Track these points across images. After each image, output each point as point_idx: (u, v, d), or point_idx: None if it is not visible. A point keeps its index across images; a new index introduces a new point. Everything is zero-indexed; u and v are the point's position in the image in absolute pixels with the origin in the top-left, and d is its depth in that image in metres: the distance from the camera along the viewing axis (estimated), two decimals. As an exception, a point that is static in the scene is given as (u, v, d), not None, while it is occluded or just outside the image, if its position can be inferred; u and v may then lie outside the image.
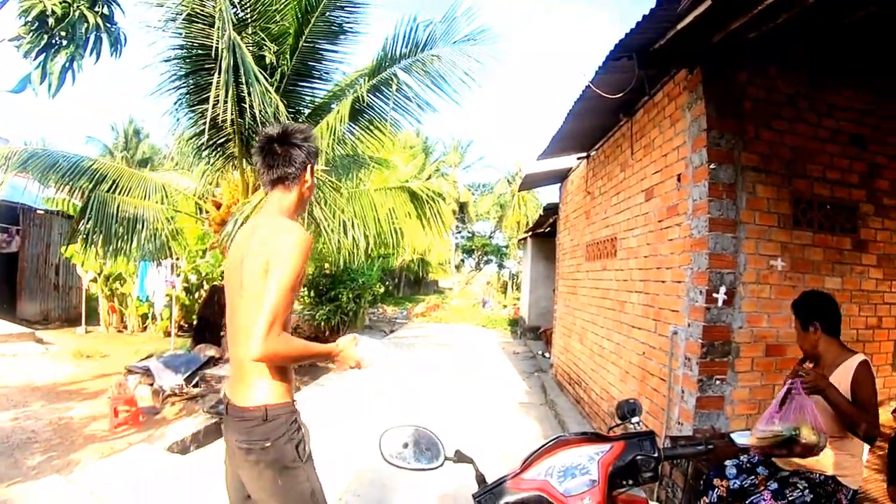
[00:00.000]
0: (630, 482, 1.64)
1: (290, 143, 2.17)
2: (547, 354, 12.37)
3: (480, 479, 1.68)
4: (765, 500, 2.59)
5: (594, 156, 7.04)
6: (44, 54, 3.40)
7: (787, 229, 3.94)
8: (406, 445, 1.81)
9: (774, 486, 2.67)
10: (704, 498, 2.93)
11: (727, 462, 2.98)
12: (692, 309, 3.93)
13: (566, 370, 8.21)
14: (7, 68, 4.58)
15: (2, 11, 3.47)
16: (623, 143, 5.74)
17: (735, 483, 2.88)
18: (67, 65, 3.51)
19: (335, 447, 5.84)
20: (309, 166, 2.23)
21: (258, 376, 1.99)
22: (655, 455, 1.63)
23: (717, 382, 3.78)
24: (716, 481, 2.92)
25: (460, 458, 1.76)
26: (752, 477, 2.88)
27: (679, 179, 4.25)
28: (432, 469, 1.79)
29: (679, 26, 3.26)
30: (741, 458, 3.00)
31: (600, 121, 5.88)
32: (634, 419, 1.87)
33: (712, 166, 3.76)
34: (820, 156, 4.09)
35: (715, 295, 3.74)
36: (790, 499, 2.58)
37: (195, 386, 8.09)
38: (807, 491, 2.60)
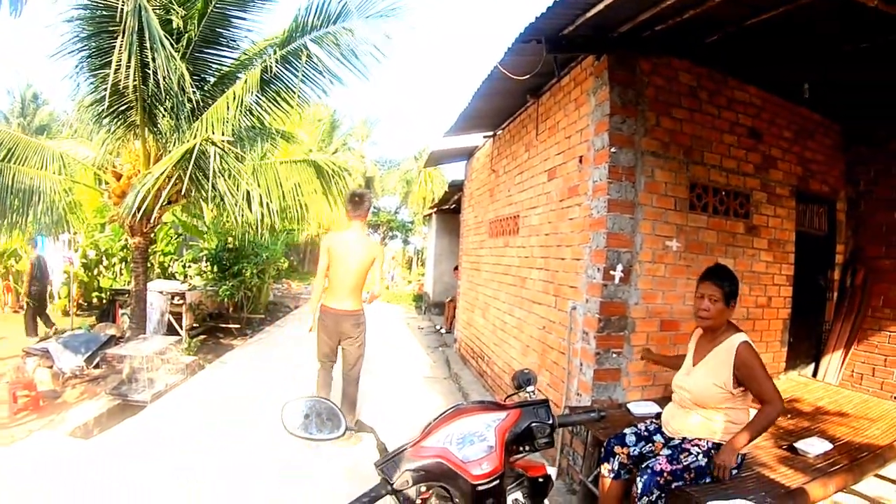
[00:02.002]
0: (527, 448, 1.71)
1: (365, 198, 5.34)
2: (443, 329, 12.56)
3: (382, 448, 1.70)
4: (660, 463, 2.77)
5: (500, 135, 7.15)
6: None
7: (683, 212, 4.18)
8: (307, 416, 1.83)
9: (668, 451, 2.86)
10: (606, 464, 3.10)
11: (626, 430, 3.16)
12: (590, 286, 4.11)
13: (469, 344, 8.38)
14: None
15: None
16: (528, 123, 5.86)
17: (635, 450, 3.06)
18: None
19: (239, 424, 5.74)
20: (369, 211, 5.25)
21: (359, 299, 5.24)
22: (550, 422, 1.71)
23: (614, 356, 3.99)
24: (617, 448, 3.09)
25: (361, 427, 1.78)
26: (651, 444, 3.08)
27: (581, 161, 4.40)
28: (334, 439, 1.81)
29: (589, 14, 3.35)
30: (639, 426, 3.19)
31: (507, 102, 5.97)
32: (529, 388, 1.93)
33: (613, 150, 3.92)
34: (718, 145, 4.36)
35: (612, 272, 3.93)
36: (685, 463, 2.77)
37: (96, 367, 7.78)
38: (700, 456, 2.81)
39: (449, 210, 14.54)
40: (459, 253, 10.24)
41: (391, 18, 7.08)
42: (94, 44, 6.94)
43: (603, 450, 3.19)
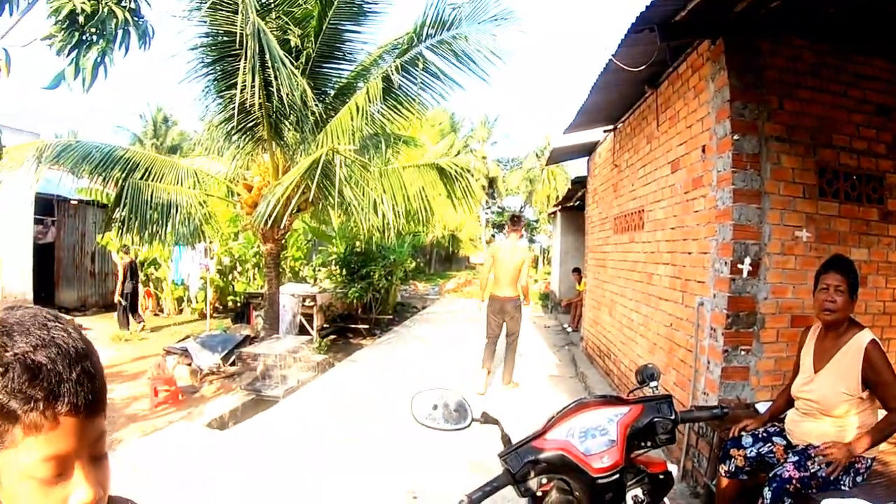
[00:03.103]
0: (648, 444, 1.69)
1: (521, 218, 7.76)
2: (569, 328, 12.39)
3: (506, 439, 1.73)
4: (787, 470, 2.62)
5: (620, 129, 7.00)
6: (76, 51, 3.50)
7: (812, 200, 3.89)
8: (435, 407, 1.87)
9: (795, 458, 2.70)
10: (723, 465, 2.98)
11: (743, 432, 3.02)
12: (717, 280, 3.94)
13: (596, 343, 8.25)
14: (41, 66, 4.73)
15: (32, 12, 3.60)
16: (648, 115, 5.70)
17: (752, 451, 2.91)
18: (99, 60, 3.61)
19: (367, 418, 6.05)
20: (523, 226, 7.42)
21: (517, 289, 7.15)
22: (672, 417, 1.68)
23: (743, 353, 3.80)
24: (733, 451, 2.96)
25: (487, 419, 1.82)
26: (769, 445, 2.92)
27: (704, 151, 4.23)
28: (460, 429, 1.85)
29: (700, -4, 3.23)
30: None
31: (625, 93, 5.84)
32: (653, 383, 1.92)
33: (736, 137, 3.74)
34: (845, 125, 4.01)
35: (740, 266, 3.74)
36: (812, 471, 2.60)
37: (232, 364, 8.34)
38: (826, 465, 2.63)
39: (573, 207, 14.34)
40: (585, 250, 10.10)
41: (503, 24, 7.14)
42: (219, 68, 7.53)
43: (720, 451, 3.06)
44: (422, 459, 4.88)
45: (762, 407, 3.55)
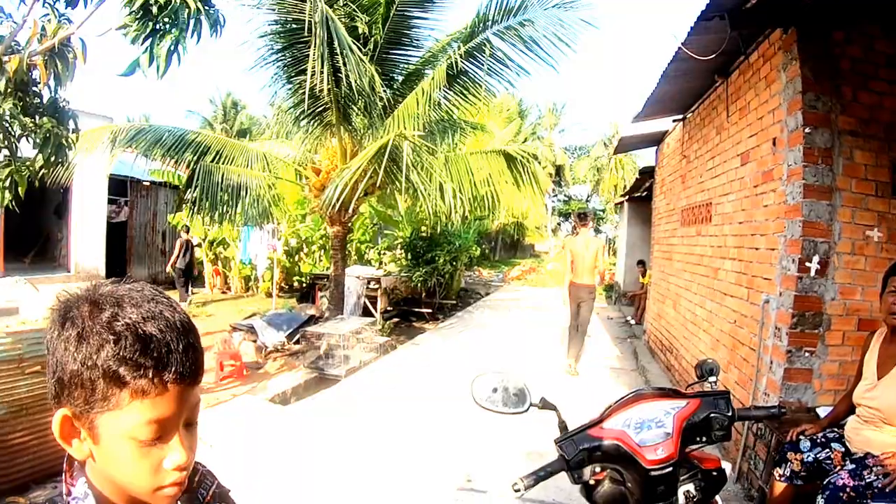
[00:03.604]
0: (703, 439, 1.67)
1: (588, 215, 8.07)
2: (632, 321, 12.17)
3: (563, 425, 1.74)
4: (842, 478, 2.53)
5: (690, 118, 6.81)
6: (150, 40, 3.67)
7: (885, 198, 3.68)
8: (495, 390, 1.88)
9: (851, 466, 2.60)
10: (778, 469, 2.90)
11: (801, 436, 2.93)
12: (784, 278, 3.82)
13: (658, 337, 8.11)
14: (116, 54, 4.98)
15: (107, 3, 3.80)
16: (719, 105, 5.53)
17: (809, 456, 2.82)
18: (172, 48, 3.78)
19: (427, 400, 6.19)
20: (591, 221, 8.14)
21: (593, 277, 7.71)
22: (729, 414, 1.65)
23: (806, 355, 3.67)
24: (790, 455, 2.88)
25: (545, 405, 1.83)
26: (827, 451, 2.82)
27: (774, 143, 4.08)
28: (518, 413, 1.86)
29: (772, -16, 3.12)
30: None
31: (695, 83, 5.69)
32: (712, 378, 1.86)
33: (807, 130, 3.59)
34: (923, 121, 3.79)
35: (808, 264, 3.61)
36: (868, 480, 2.50)
37: (296, 343, 8.60)
38: (884, 476, 2.53)
39: (640, 198, 14.03)
40: (651, 242, 9.90)
41: (571, 10, 7.05)
42: (287, 54, 7.72)
43: (777, 454, 2.97)
44: (477, 444, 4.97)
45: (823, 412, 3.42)
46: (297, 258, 14.21)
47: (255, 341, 8.35)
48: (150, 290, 0.85)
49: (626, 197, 15.65)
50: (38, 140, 3.87)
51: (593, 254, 7.65)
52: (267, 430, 5.19)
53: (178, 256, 12.60)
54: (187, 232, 13.07)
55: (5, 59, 3.69)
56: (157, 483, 0.81)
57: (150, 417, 0.77)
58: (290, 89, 8.29)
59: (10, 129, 3.74)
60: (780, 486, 2.89)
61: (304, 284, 13.67)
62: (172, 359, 0.78)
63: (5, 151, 3.90)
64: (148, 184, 15.81)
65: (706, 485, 1.71)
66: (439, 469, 4.46)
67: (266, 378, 7.19)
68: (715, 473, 1.74)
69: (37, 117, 3.92)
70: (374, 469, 4.44)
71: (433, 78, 7.40)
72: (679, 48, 4.43)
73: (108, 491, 0.85)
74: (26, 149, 4.00)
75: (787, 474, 2.86)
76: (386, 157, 6.54)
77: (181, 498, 0.93)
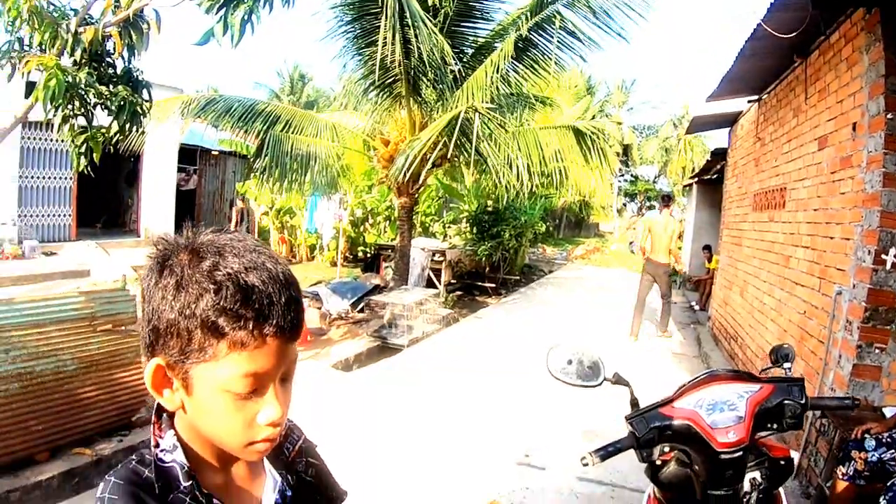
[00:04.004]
0: (774, 426, 1.64)
1: (672, 197, 9.11)
2: (696, 306, 11.89)
3: (634, 402, 1.74)
4: None
5: (766, 99, 6.55)
6: (224, 9, 3.79)
7: (969, 190, 3.49)
8: (570, 362, 1.88)
9: None
10: (841, 468, 2.82)
11: (867, 434, 2.83)
12: (858, 269, 3.66)
13: (723, 324, 7.90)
14: (188, 24, 5.13)
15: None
16: (797, 86, 5.30)
17: (874, 455, 2.73)
18: (246, 17, 3.90)
19: (488, 373, 6.28)
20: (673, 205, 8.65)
21: (668, 255, 8.42)
22: (802, 402, 1.61)
23: (877, 351, 3.52)
24: (854, 453, 2.79)
25: (618, 380, 1.82)
26: (892, 451, 2.71)
27: (854, 129, 3.90)
28: (591, 387, 1.86)
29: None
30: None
31: (773, 62, 5.46)
32: (786, 364, 1.84)
33: (889, 116, 3.40)
34: None
35: (884, 256, 3.45)
36: None
37: (360, 311, 8.76)
38: None
39: (710, 181, 13.59)
40: (720, 226, 9.62)
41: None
42: (358, 26, 7.76)
43: (841, 452, 2.88)
44: (537, 420, 5.04)
45: (889, 412, 3.28)
46: (362, 228, 14.40)
47: (319, 308, 8.54)
48: (252, 241, 0.83)
49: (696, 179, 15.21)
50: (112, 108, 4.04)
51: (670, 233, 8.37)
52: (330, 396, 5.37)
53: (235, 224, 13.00)
54: (243, 200, 13.49)
55: (80, 30, 3.87)
56: (249, 438, 0.80)
57: (247, 370, 0.76)
58: (359, 61, 8.38)
59: (85, 97, 3.92)
60: (842, 485, 2.82)
61: (369, 255, 13.87)
62: (273, 311, 0.76)
63: (81, 119, 4.10)
64: (217, 153, 16.37)
65: (772, 474, 1.69)
66: (499, 443, 4.54)
67: (329, 345, 7.38)
68: (783, 463, 1.71)
69: (111, 86, 4.10)
70: (434, 439, 4.55)
71: (502, 50, 7.33)
72: (758, 25, 4.28)
73: (197, 444, 0.85)
74: (101, 118, 4.20)
75: (851, 473, 2.78)
76: (457, 129, 6.56)
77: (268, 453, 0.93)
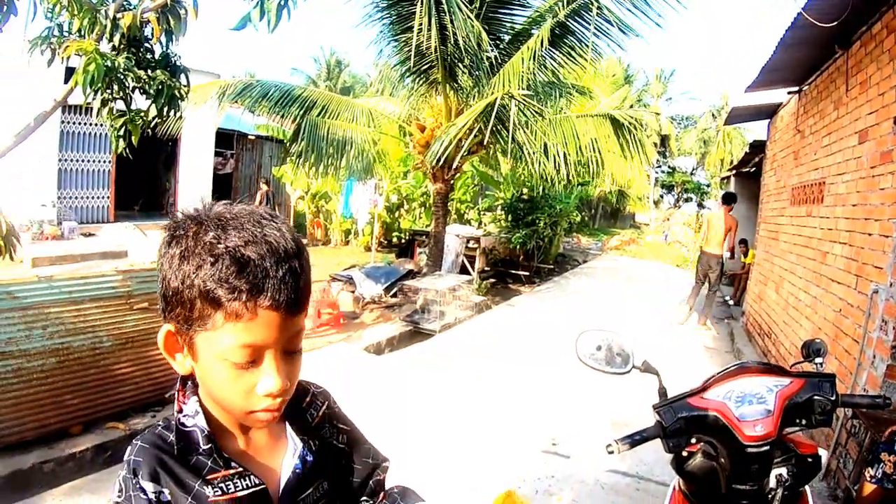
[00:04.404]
0: (802, 422, 1.60)
1: (734, 197, 9.14)
2: (730, 301, 11.70)
3: (662, 391, 1.73)
4: None
5: (806, 91, 6.38)
6: (261, -6, 3.85)
7: None
8: (599, 348, 1.88)
9: None
10: (869, 469, 2.75)
11: None
12: (896, 268, 3.57)
13: (757, 320, 7.77)
14: (224, 9, 5.19)
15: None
16: (837, 78, 5.15)
17: None
18: (282, 3, 3.94)
19: (519, 361, 6.34)
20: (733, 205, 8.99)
21: (721, 248, 8.85)
22: (833, 398, 1.57)
23: (912, 352, 3.43)
24: (883, 455, 2.71)
25: (647, 368, 1.82)
26: None
27: (895, 122, 3.78)
28: (620, 374, 1.86)
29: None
30: None
31: (814, 53, 5.32)
32: (818, 360, 1.79)
33: (933, 110, 3.30)
34: None
35: (923, 255, 3.36)
36: None
37: (393, 296, 8.83)
38: None
39: (748, 174, 13.29)
40: (757, 220, 9.43)
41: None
42: (393, 12, 7.78)
43: (869, 453, 2.81)
44: (565, 409, 5.08)
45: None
46: (397, 214, 14.50)
47: (352, 292, 8.63)
48: (260, 214, 0.85)
49: (733, 172, 14.88)
50: (151, 92, 4.13)
51: (725, 228, 8.83)
52: (362, 378, 5.46)
53: (259, 206, 13.25)
54: (267, 184, 13.71)
55: (119, 16, 3.95)
56: (248, 406, 0.83)
57: (243, 341, 0.78)
58: (395, 47, 8.43)
59: (124, 81, 4.00)
60: (869, 488, 2.75)
61: (403, 240, 13.98)
62: (268, 284, 0.78)
63: (120, 103, 4.19)
64: (253, 137, 16.59)
65: (799, 471, 1.64)
66: (526, 430, 4.59)
67: (362, 328, 7.47)
68: (810, 460, 1.67)
69: (149, 71, 4.18)
70: (462, 423, 4.62)
71: (539, 36, 7.27)
72: (799, 13, 4.17)
73: (215, 410, 0.90)
74: (140, 102, 4.28)
75: (879, 476, 2.71)
76: (493, 115, 6.56)
77: (290, 419, 0.98)
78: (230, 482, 0.87)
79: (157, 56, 4.35)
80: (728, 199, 9.20)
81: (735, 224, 8.95)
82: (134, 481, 0.83)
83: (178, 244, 0.81)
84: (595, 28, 7.58)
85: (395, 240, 14.39)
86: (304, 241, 13.96)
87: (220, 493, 0.86)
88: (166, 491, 0.83)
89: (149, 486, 0.83)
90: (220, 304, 0.77)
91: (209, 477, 0.86)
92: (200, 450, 0.88)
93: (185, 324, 0.82)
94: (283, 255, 0.81)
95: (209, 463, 0.87)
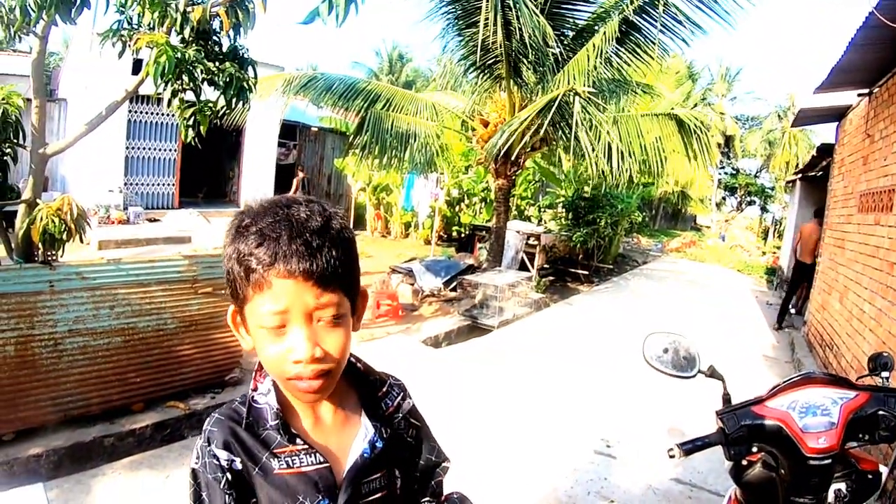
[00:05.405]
0: (865, 437, 1.57)
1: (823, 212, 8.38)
2: (792, 309, 11.31)
3: (726, 398, 1.73)
4: None
5: (877, 93, 6.11)
6: (330, -11, 3.92)
7: None
8: (666, 351, 1.89)
9: None
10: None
11: None
12: (968, 282, 3.41)
13: (819, 330, 7.49)
14: (291, 3, 5.30)
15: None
16: (911, 80, 4.93)
17: None
18: None
19: (576, 360, 6.36)
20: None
21: (811, 257, 8.95)
22: None
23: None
24: None
25: (713, 373, 1.81)
26: None
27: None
28: (686, 378, 1.86)
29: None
30: None
31: (886, 53, 5.09)
32: (885, 374, 1.76)
33: None
34: None
35: None
36: None
37: (452, 290, 8.89)
38: None
39: (814, 178, 12.80)
40: (823, 227, 9.10)
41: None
42: (458, 7, 7.84)
43: None
44: (621, 410, 5.06)
45: None
46: (457, 209, 14.54)
47: (412, 284, 8.74)
48: (294, 199, 0.93)
49: (799, 175, 14.35)
50: (220, 83, 4.27)
51: (815, 238, 9.16)
52: (419, 370, 5.56)
53: (295, 191, 13.51)
54: (302, 170, 13.98)
55: (189, 9, 4.11)
56: (284, 373, 0.89)
57: (268, 309, 0.85)
58: (460, 41, 8.50)
59: (193, 73, 4.15)
60: None
61: (463, 235, 14.08)
62: (281, 253, 0.84)
63: (189, 94, 4.35)
64: (316, 129, 16.97)
65: (858, 487, 1.61)
66: (580, 429, 4.60)
67: (420, 321, 7.56)
68: (870, 476, 1.63)
69: (218, 63, 4.33)
70: (516, 419, 4.66)
71: (604, 33, 7.20)
72: (871, 13, 4.03)
73: (284, 388, 0.97)
74: (207, 93, 4.43)
75: None
76: (553, 110, 6.54)
77: (364, 405, 1.06)
78: (296, 457, 0.95)
79: (225, 49, 4.50)
80: (820, 214, 9.46)
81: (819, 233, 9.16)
82: (208, 449, 0.93)
83: (229, 232, 0.91)
84: (661, 25, 7.46)
85: (454, 234, 14.48)
86: (364, 232, 14.20)
87: (285, 466, 0.94)
88: (237, 460, 0.93)
89: (222, 455, 0.93)
90: (248, 278, 0.86)
91: (276, 451, 0.95)
92: (268, 424, 0.96)
93: (235, 300, 0.92)
94: (302, 229, 0.86)
95: (277, 437, 0.96)
